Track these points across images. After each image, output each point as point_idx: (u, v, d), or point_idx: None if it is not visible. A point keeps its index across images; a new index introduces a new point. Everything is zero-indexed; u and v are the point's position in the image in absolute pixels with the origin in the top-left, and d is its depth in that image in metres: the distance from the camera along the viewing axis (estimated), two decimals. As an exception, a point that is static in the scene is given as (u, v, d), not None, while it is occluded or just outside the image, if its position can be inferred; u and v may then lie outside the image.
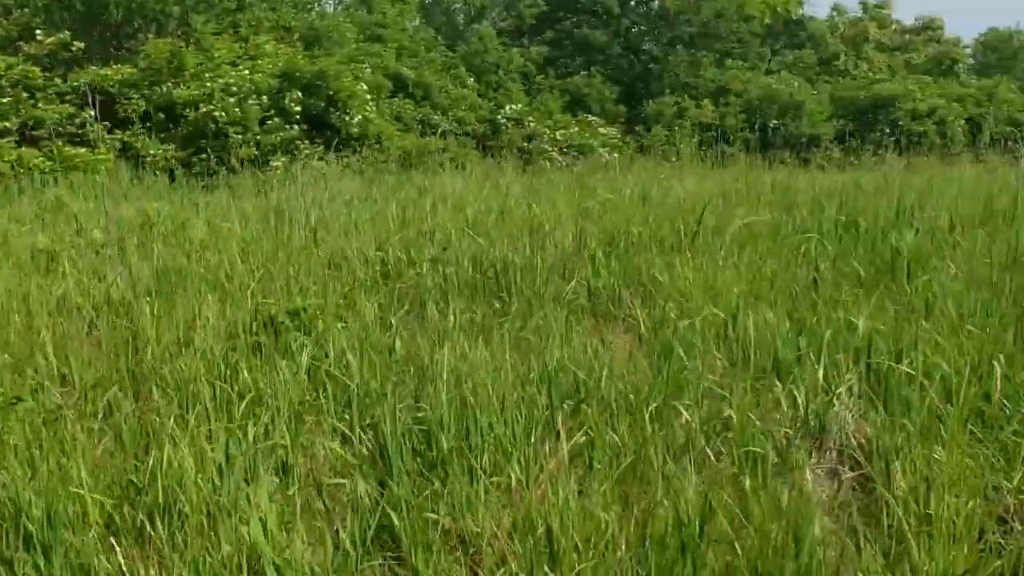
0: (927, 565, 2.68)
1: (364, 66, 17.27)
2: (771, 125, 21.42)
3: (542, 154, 17.87)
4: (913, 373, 3.72)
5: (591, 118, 20.60)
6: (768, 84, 22.09)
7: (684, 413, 3.70)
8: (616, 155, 18.61)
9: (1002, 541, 2.89)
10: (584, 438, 3.58)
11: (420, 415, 3.81)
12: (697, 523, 2.81)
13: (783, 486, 3.17)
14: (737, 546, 2.81)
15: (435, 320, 5.24)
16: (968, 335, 4.27)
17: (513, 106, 19.27)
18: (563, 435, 3.53)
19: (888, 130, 21.42)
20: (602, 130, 19.98)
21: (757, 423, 3.61)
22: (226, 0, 17.68)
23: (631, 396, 3.90)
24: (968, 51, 32.29)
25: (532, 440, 3.58)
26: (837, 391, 3.73)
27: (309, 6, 20.68)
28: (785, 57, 28.11)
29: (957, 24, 54.43)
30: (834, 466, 3.49)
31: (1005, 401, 3.65)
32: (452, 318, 5.15)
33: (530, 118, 18.99)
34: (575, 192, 10.96)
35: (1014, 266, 5.86)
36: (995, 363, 3.73)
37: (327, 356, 4.55)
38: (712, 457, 3.48)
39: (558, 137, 18.76)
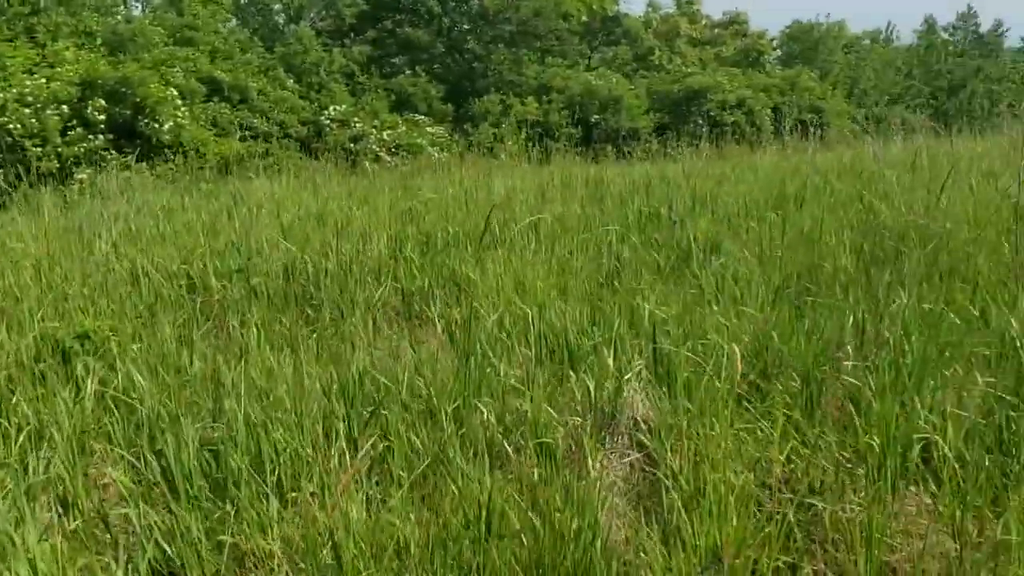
0: (699, 540, 2.82)
1: (175, 70, 16.59)
2: (593, 120, 22.07)
3: (369, 155, 17.71)
4: (692, 356, 3.91)
5: (418, 117, 20.61)
6: (588, 80, 22.75)
7: (484, 411, 3.74)
8: (445, 154, 18.70)
9: (772, 510, 3.08)
10: (384, 445, 3.57)
11: (216, 435, 3.69)
12: (485, 520, 2.85)
13: (573, 475, 3.26)
14: (524, 538, 2.87)
15: (238, 334, 5.09)
16: (748, 315, 4.53)
17: (337, 107, 19.01)
18: (360, 444, 3.50)
19: (701, 121, 22.50)
20: (430, 129, 20.03)
21: (553, 415, 3.70)
22: (17, 5, 16.50)
23: (434, 398, 3.92)
24: (775, 43, 34.38)
25: (332, 452, 3.53)
26: (627, 377, 3.87)
27: (113, 9, 19.65)
28: (605, 54, 29.07)
29: (765, 19, 57.95)
30: (625, 450, 3.62)
31: (779, 375, 3.90)
32: (256, 331, 5.01)
33: (355, 119, 18.79)
34: (398, 193, 10.92)
35: (798, 246, 6.27)
36: (736, 344, 3.98)
37: (118, 380, 4.33)
38: (510, 452, 3.54)
39: (385, 137, 18.66)
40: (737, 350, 3.37)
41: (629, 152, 20.16)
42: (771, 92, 24.18)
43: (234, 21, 23.40)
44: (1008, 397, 3.51)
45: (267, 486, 3.25)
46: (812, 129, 21.73)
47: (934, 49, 33.72)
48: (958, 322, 4.37)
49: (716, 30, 30.09)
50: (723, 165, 12.68)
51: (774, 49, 33.45)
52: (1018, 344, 3.87)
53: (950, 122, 21.02)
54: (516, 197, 9.71)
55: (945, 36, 36.76)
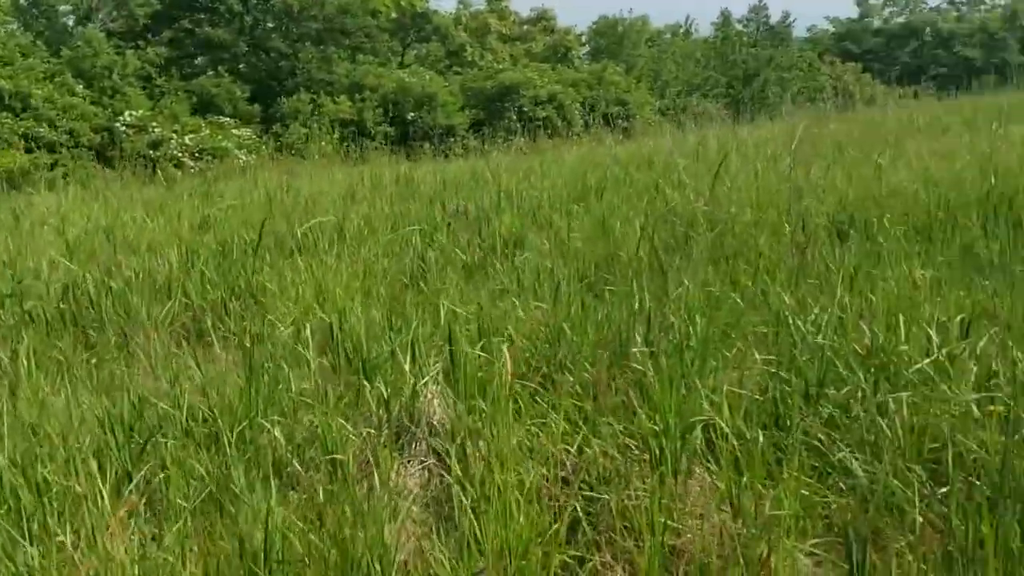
0: (488, 543, 2.79)
1: (-56, 78, 15.18)
2: (408, 118, 21.93)
3: (171, 161, 16.86)
4: (483, 355, 3.88)
5: (223, 119, 19.81)
6: (401, 78, 22.58)
7: (271, 430, 3.57)
8: (253, 156, 18.08)
9: (563, 504, 3.09)
10: (162, 475, 3.34)
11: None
12: (264, 547, 2.70)
13: (366, 490, 3.16)
14: (309, 562, 2.75)
15: (7, 365, 4.65)
16: (545, 308, 4.57)
17: (133, 112, 17.97)
18: (135, 477, 3.26)
19: (515, 116, 22.81)
20: (236, 131, 19.31)
21: (347, 427, 3.57)
22: None
23: (219, 420, 3.70)
24: (583, 39, 35.38)
25: (104, 488, 3.26)
26: (423, 381, 3.80)
27: None
28: (419, 51, 28.97)
29: (572, 15, 59.61)
30: (422, 457, 3.55)
31: (570, 366, 3.94)
32: (28, 360, 4.59)
33: (154, 123, 17.83)
34: (197, 201, 10.43)
35: (597, 237, 6.41)
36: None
37: None
38: (301, 471, 3.39)
39: (188, 142, 17.82)
40: (507, 352, 3.36)
41: (446, 149, 20.21)
42: (580, 87, 24.83)
43: (14, 24, 21.63)
44: (782, 373, 3.69)
45: (26, 533, 2.95)
46: (619, 121, 22.55)
47: (730, 41, 35.54)
48: (740, 303, 4.57)
49: (525, 27, 30.61)
50: (533, 159, 12.90)
51: (582, 45, 34.42)
52: (790, 321, 4.08)
53: (743, 109, 22.30)
54: (324, 199, 9.49)
55: (740, 28, 38.87)
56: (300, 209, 8.78)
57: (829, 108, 18.62)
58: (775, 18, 39.07)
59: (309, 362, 4.28)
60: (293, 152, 18.08)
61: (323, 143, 18.76)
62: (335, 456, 3.35)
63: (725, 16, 37.84)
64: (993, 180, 6.41)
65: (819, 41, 46.06)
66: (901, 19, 48.40)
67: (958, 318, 3.94)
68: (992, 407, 3.19)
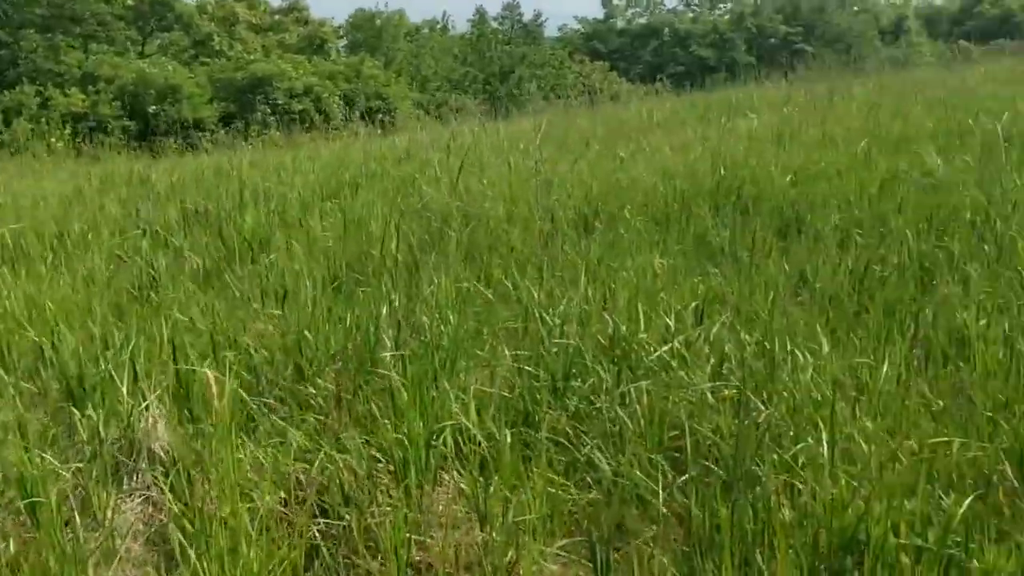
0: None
1: None
2: (151, 111, 20.49)
3: None
4: (211, 373, 3.54)
5: (-70, 115, 17.58)
6: (141, 68, 21.06)
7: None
8: (-31, 156, 16.16)
9: (301, 528, 2.85)
10: None
11: None
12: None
13: (77, 531, 2.76)
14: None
15: None
16: (283, 316, 4.28)
17: None
18: None
19: (269, 109, 21.93)
20: (-53, 129, 17.18)
21: (54, 463, 3.13)
22: None
23: None
24: (341, 31, 34.69)
25: None
26: (145, 404, 3.41)
27: None
28: (163, 40, 27.17)
29: (328, 7, 58.25)
30: (144, 489, 3.17)
31: (314, 377, 3.69)
32: None
33: None
34: None
35: (350, 235, 6.16)
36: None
37: None
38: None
39: None
40: (209, 374, 3.06)
41: (193, 144, 19.03)
42: (337, 79, 24.30)
43: None
44: (530, 368, 3.63)
45: None
46: (379, 115, 22.30)
47: (485, 38, 36.16)
48: (492, 298, 4.51)
49: (277, 17, 29.53)
50: (287, 154, 12.39)
51: (339, 37, 33.73)
52: (538, 314, 4.05)
53: (499, 105, 22.74)
54: (45, 202, 8.57)
55: (495, 25, 39.67)
56: (16, 214, 7.85)
57: (577, 104, 19.37)
58: (528, 17, 40.27)
59: (10, 389, 3.75)
60: (15, 150, 16.31)
61: (52, 139, 17.11)
62: (35, 499, 2.91)
63: (481, 13, 38.51)
64: (722, 171, 6.80)
65: (569, 40, 47.94)
66: (643, 20, 51.42)
67: (692, 305, 4.08)
68: (725, 392, 3.29)
